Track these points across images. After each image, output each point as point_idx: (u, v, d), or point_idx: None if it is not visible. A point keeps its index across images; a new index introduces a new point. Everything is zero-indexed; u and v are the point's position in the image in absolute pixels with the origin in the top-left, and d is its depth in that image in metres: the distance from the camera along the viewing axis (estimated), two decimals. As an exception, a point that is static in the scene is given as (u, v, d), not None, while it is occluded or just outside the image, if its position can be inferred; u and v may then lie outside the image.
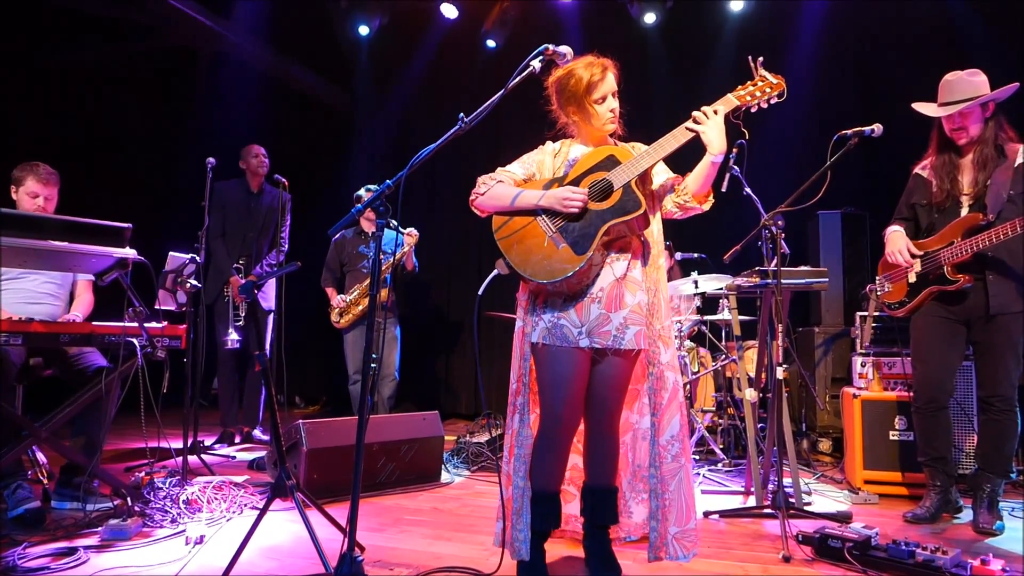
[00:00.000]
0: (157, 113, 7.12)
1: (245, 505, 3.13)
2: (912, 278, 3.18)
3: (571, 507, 2.45)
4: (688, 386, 4.45)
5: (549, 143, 2.44)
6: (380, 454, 3.58)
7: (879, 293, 3.40)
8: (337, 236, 5.01)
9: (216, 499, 3.08)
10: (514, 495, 2.30)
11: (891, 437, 3.59)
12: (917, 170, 3.30)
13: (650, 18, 5.90)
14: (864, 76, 5.71)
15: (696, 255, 4.88)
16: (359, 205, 1.99)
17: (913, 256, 3.15)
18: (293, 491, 2.42)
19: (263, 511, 2.37)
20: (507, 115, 6.18)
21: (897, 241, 3.20)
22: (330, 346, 5.99)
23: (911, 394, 3.30)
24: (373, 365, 4.71)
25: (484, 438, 4.33)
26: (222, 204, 4.84)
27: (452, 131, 2.01)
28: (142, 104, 7.02)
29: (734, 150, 3.37)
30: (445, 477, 3.92)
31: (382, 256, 4.74)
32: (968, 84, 3.04)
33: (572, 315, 2.17)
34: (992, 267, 2.96)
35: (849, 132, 2.96)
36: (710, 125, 2.13)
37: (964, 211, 3.06)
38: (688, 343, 4.66)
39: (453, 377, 6.95)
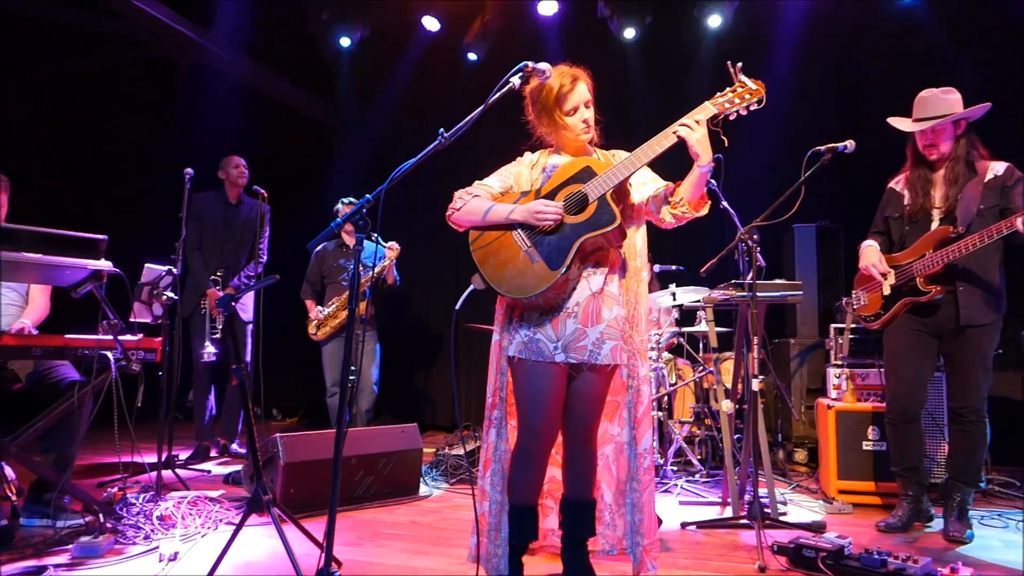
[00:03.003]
0: (135, 124, 7.07)
1: (221, 520, 3.10)
2: (887, 290, 3.24)
3: (549, 521, 2.45)
4: (667, 397, 4.48)
5: (527, 154, 2.45)
6: (358, 467, 3.56)
7: (855, 306, 3.46)
8: (318, 248, 5.00)
9: (191, 515, 3.04)
10: (491, 510, 2.31)
11: (865, 447, 3.64)
12: (892, 184, 3.37)
13: (629, 33, 5.97)
14: (841, 92, 5.82)
15: (674, 267, 4.92)
16: (338, 219, 1.99)
17: (886, 269, 3.21)
18: (270, 506, 2.40)
19: (239, 526, 2.35)
20: (490, 127, 6.20)
21: (870, 255, 3.26)
22: (309, 358, 5.95)
23: (885, 405, 3.35)
24: (352, 378, 4.68)
25: (463, 450, 4.32)
26: (200, 215, 4.80)
27: (432, 146, 2.03)
28: (120, 115, 6.96)
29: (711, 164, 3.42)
30: (424, 490, 3.91)
31: (362, 269, 4.76)
32: (942, 101, 3.11)
33: (548, 330, 2.19)
34: (962, 278, 3.03)
35: (823, 148, 3.02)
36: (696, 136, 2.14)
37: (935, 224, 3.13)
38: (666, 355, 4.69)
39: (432, 389, 6.93)
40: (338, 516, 3.17)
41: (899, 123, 3.21)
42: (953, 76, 5.23)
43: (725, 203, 3.52)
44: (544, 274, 2.12)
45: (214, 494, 3.35)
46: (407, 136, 6.77)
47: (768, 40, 5.84)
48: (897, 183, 3.33)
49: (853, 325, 3.77)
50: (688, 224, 2.34)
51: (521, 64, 2.07)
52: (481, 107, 2.00)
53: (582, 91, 2.28)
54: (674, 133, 2.14)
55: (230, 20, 6.15)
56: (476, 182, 2.37)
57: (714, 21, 5.69)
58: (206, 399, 4.85)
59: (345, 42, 6.48)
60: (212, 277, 4.76)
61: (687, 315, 4.95)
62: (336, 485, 1.90)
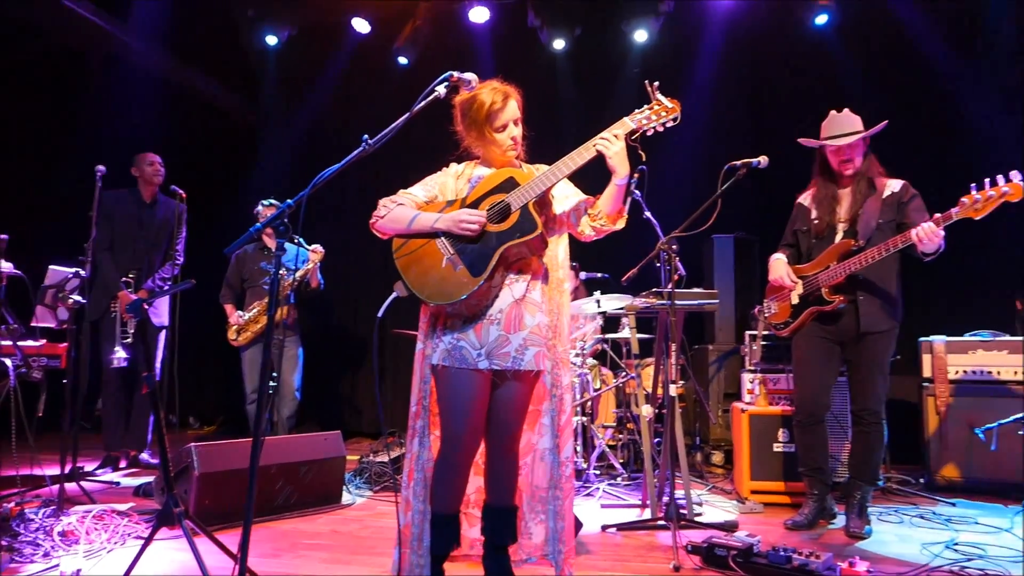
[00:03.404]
0: (40, 117, 6.66)
1: (129, 535, 2.96)
2: (795, 300, 3.41)
3: (475, 530, 2.46)
4: (590, 403, 4.57)
5: (453, 164, 2.47)
6: (278, 476, 3.47)
7: (766, 315, 3.63)
8: (238, 251, 4.85)
9: (96, 529, 2.90)
10: (414, 520, 2.31)
11: (775, 449, 3.82)
12: (800, 200, 3.56)
13: (559, 44, 6.08)
14: (758, 109, 6.09)
15: (600, 275, 5.03)
16: (258, 224, 1.95)
17: (794, 280, 3.39)
18: (181, 518, 2.32)
19: (147, 540, 2.26)
20: (421, 131, 6.18)
21: (778, 268, 3.43)
22: (228, 364, 5.76)
23: (793, 408, 3.53)
24: (273, 384, 4.57)
25: (388, 457, 4.28)
26: (111, 214, 4.58)
27: (355, 153, 2.02)
28: (23, 107, 6.55)
29: (635, 175, 3.51)
30: (347, 498, 3.85)
31: (285, 273, 4.66)
32: (851, 121, 3.30)
33: (471, 336, 2.21)
34: (863, 288, 3.23)
35: (738, 163, 3.16)
36: (614, 150, 2.20)
37: (839, 237, 3.32)
38: (591, 361, 4.79)
39: (358, 396, 6.83)
40: (256, 527, 3.09)
41: (817, 142, 3.36)
42: (855, 95, 5.60)
43: (648, 213, 3.63)
44: (467, 281, 2.14)
45: (122, 507, 3.20)
46: (335, 138, 6.66)
47: (691, 57, 6.07)
48: (805, 198, 3.52)
49: (765, 332, 3.95)
50: (615, 233, 2.40)
51: (447, 74, 2.09)
52: (406, 115, 2.00)
53: (512, 109, 2.32)
54: (594, 147, 2.20)
55: (147, 12, 5.90)
56: (401, 191, 2.37)
57: (640, 36, 5.86)
58: (116, 407, 4.62)
59: (271, 40, 6.33)
60: (124, 279, 4.55)
61: (612, 321, 5.06)
62: (252, 495, 1.86)
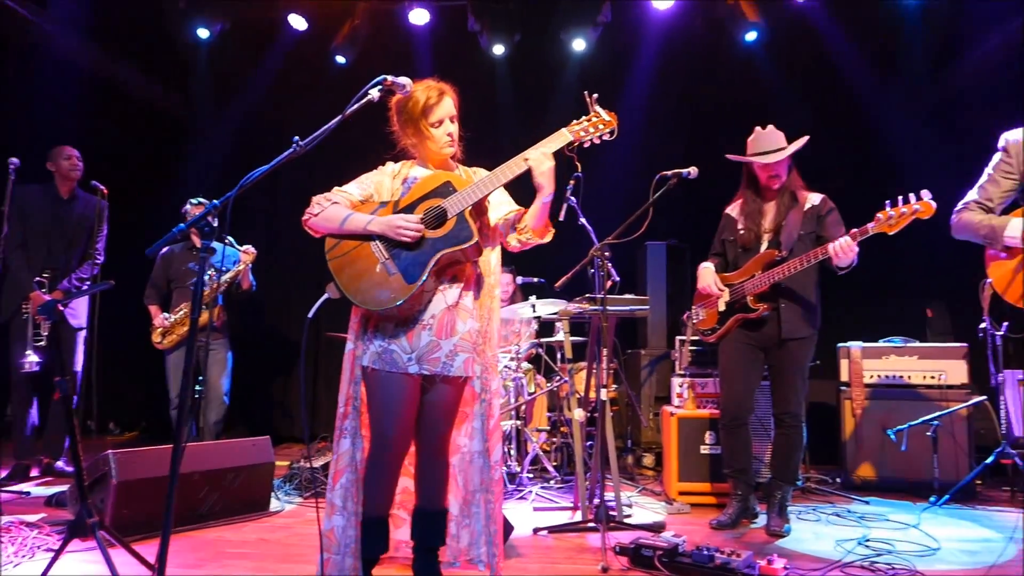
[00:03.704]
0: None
1: (39, 547, 2.81)
2: (722, 307, 3.53)
3: (401, 532, 2.45)
4: (524, 406, 4.61)
5: (389, 164, 2.46)
6: (202, 484, 3.36)
7: (694, 321, 3.74)
8: (164, 250, 4.68)
9: (3, 542, 2.74)
10: (339, 523, 2.27)
11: (702, 451, 3.93)
12: (728, 210, 3.68)
13: (499, 49, 6.11)
14: (691, 120, 6.27)
15: (536, 280, 5.08)
16: (182, 224, 1.89)
17: (721, 288, 3.50)
18: (95, 529, 2.22)
19: (57, 553, 2.16)
20: (357, 129, 6.11)
21: (706, 276, 3.55)
22: (151, 368, 5.53)
23: (719, 411, 3.64)
24: (199, 388, 4.43)
25: (319, 462, 4.20)
26: (24, 210, 4.34)
27: (286, 154, 1.98)
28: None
29: (571, 182, 3.56)
30: (275, 505, 3.76)
31: (215, 274, 4.52)
32: (776, 137, 3.43)
33: (402, 341, 2.20)
34: (785, 297, 3.36)
35: (669, 173, 3.24)
36: (543, 168, 2.22)
37: (764, 248, 3.45)
38: (525, 365, 4.82)
39: (291, 400, 6.68)
40: (179, 536, 2.99)
41: (745, 159, 3.48)
42: (782, 110, 5.83)
43: (584, 220, 3.68)
44: (400, 287, 2.13)
45: (32, 518, 3.05)
46: (271, 136, 6.46)
47: (628, 67, 6.20)
48: (732, 209, 3.64)
49: (693, 338, 4.07)
50: (553, 239, 2.44)
51: (380, 78, 2.08)
52: (338, 118, 1.98)
53: (448, 105, 2.33)
54: (524, 160, 2.22)
55: (69, -1, 5.64)
56: (336, 188, 2.35)
57: (579, 45, 5.94)
58: (26, 413, 4.38)
59: (203, 34, 6.13)
60: (37, 279, 4.32)
61: (546, 326, 5.11)
62: (171, 502, 1.79)
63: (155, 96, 6.72)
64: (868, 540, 3.15)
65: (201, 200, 4.68)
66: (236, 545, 3.07)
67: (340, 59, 6.18)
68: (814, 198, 3.44)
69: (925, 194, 2.85)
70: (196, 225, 1.88)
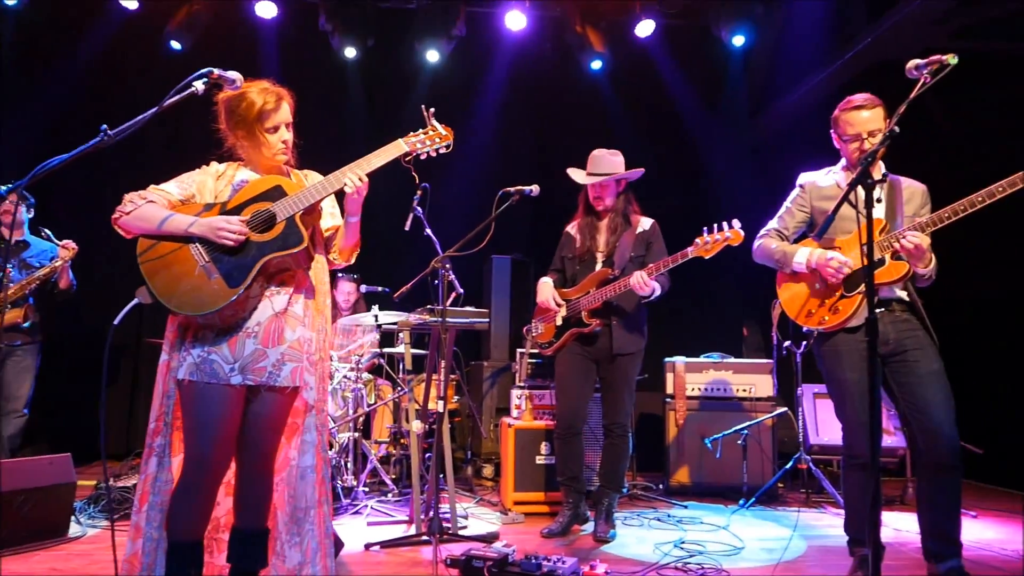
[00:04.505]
0: None
1: None
2: (559, 321, 3.65)
3: (222, 557, 2.28)
4: (364, 418, 4.50)
5: (214, 164, 2.31)
6: (-17, 509, 2.96)
7: (534, 334, 3.84)
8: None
9: None
10: (144, 548, 2.09)
11: (538, 461, 4.04)
12: (567, 228, 3.83)
13: (351, 53, 5.96)
14: (539, 138, 6.49)
15: (381, 289, 4.99)
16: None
17: (559, 303, 3.64)
18: None
19: None
20: (189, 123, 5.71)
21: (544, 291, 3.67)
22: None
23: (554, 422, 3.76)
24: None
25: (132, 482, 3.84)
26: None
27: (91, 143, 1.81)
28: None
29: (418, 192, 3.55)
30: (75, 530, 3.38)
31: (27, 270, 4.03)
32: (609, 162, 3.62)
33: (224, 350, 2.07)
34: (616, 314, 3.55)
35: (512, 189, 3.32)
36: (353, 187, 2.18)
37: (599, 266, 3.62)
38: (366, 375, 4.72)
39: (110, 412, 6.05)
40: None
41: (575, 175, 3.67)
42: (622, 137, 6.18)
43: (429, 231, 3.69)
44: (222, 292, 2.01)
45: None
46: (94, 119, 5.85)
47: (480, 83, 6.30)
48: (572, 227, 3.80)
49: (532, 351, 4.18)
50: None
51: (206, 69, 1.96)
52: (155, 108, 1.83)
53: (285, 111, 2.25)
54: (345, 177, 2.17)
55: None
56: (152, 187, 2.17)
57: (432, 56, 5.94)
58: None
59: (10, 0, 5.46)
60: None
61: (389, 336, 5.04)
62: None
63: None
64: (683, 542, 3.38)
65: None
66: (21, 578, 2.73)
67: (175, 45, 5.74)
68: (645, 223, 3.66)
69: (736, 223, 3.13)
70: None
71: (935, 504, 2.60)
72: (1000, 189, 2.45)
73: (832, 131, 2.85)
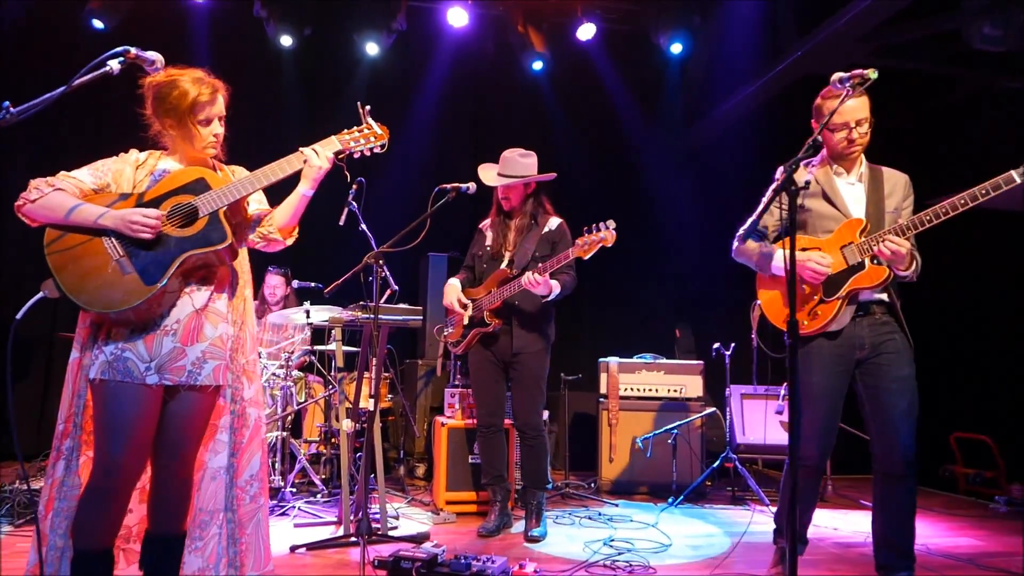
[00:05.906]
0: None
1: None
2: (465, 321, 3.63)
3: (132, 569, 2.16)
4: (293, 417, 4.38)
5: (133, 151, 2.19)
6: None
7: (445, 334, 3.82)
8: None
9: None
10: (50, 558, 1.97)
11: (470, 461, 4.02)
12: (480, 225, 3.81)
13: (287, 41, 5.77)
14: (478, 135, 6.46)
15: (313, 284, 4.87)
16: None
17: (464, 304, 3.61)
18: None
19: None
20: (116, 108, 5.43)
21: (450, 293, 3.67)
22: None
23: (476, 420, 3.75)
24: None
25: (39, 485, 3.62)
26: None
27: (-11, 123, 1.68)
28: None
29: (354, 186, 3.47)
30: (-26, 536, 3.17)
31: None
32: (519, 164, 3.58)
33: (140, 348, 1.97)
34: (516, 313, 3.52)
35: (448, 187, 3.28)
36: (318, 163, 2.17)
37: (504, 265, 3.59)
38: (297, 373, 4.60)
39: (20, 411, 5.69)
40: None
41: (484, 174, 3.62)
42: (561, 138, 6.22)
43: (364, 226, 3.60)
44: (136, 288, 1.91)
45: None
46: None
47: (420, 77, 6.23)
48: (485, 225, 3.79)
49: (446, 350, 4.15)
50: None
51: (122, 48, 1.85)
52: (63, 88, 1.72)
53: (220, 105, 2.16)
54: (303, 156, 2.15)
55: None
56: (62, 173, 2.04)
57: (372, 49, 5.82)
58: None
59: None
60: None
61: (321, 333, 4.92)
62: None
63: None
64: (613, 540, 3.42)
65: None
66: (-90, 589, 2.53)
67: (97, 23, 5.44)
68: (552, 223, 3.63)
69: (611, 224, 3.12)
70: None
71: (886, 511, 2.60)
72: (983, 192, 2.37)
73: (813, 121, 2.71)
